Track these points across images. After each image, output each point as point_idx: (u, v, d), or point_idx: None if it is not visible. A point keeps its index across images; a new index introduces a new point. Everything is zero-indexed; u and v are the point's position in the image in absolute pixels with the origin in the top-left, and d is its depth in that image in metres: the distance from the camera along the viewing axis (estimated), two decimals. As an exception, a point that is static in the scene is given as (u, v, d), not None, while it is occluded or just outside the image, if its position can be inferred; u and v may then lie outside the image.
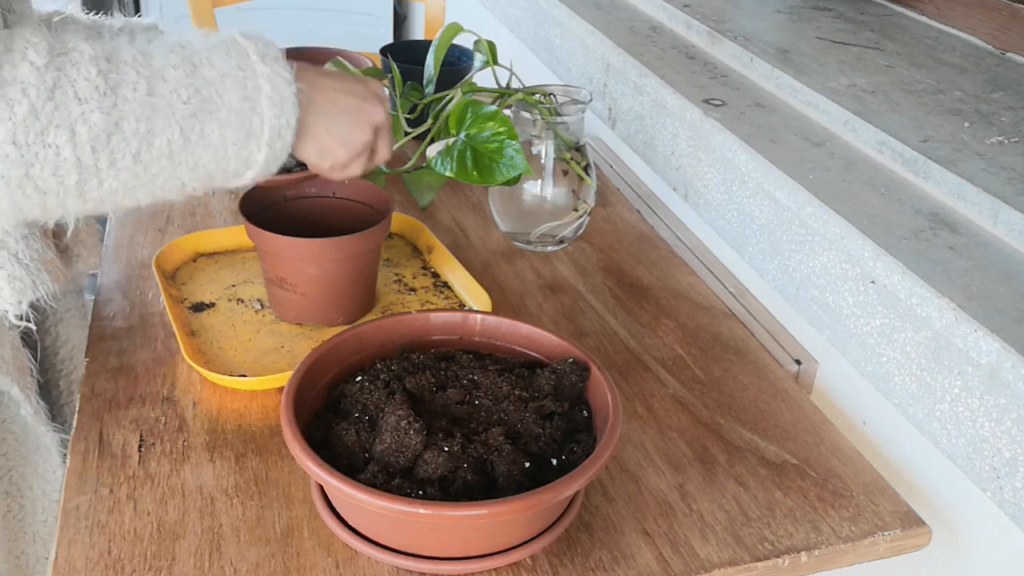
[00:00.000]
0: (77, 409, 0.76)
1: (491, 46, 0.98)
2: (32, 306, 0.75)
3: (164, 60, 0.63)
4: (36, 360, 0.85)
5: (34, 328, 0.81)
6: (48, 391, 0.91)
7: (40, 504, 0.84)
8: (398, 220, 1.01)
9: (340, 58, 1.01)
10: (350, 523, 0.64)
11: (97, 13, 0.89)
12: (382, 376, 0.69)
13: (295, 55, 1.22)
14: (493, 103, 0.93)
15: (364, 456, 0.63)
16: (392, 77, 1.00)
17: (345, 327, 0.78)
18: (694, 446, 0.75)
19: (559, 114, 0.97)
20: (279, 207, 0.88)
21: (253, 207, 0.85)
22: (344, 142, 0.72)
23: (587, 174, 0.99)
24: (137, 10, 2.66)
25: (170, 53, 0.63)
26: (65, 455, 0.71)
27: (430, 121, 0.96)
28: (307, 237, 0.81)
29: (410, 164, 0.99)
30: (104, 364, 0.81)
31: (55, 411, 0.93)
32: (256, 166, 0.68)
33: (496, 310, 0.90)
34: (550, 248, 1.02)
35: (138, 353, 0.82)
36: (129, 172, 0.62)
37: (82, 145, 0.59)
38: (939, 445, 0.71)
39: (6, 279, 0.72)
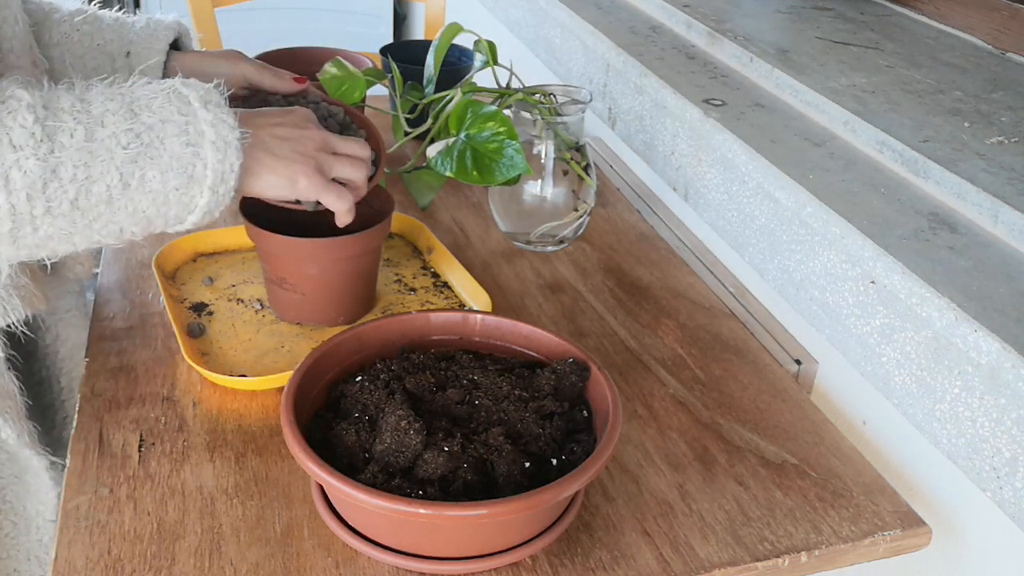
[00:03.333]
0: (77, 409, 0.76)
1: (491, 46, 0.98)
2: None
3: (103, 106, 0.63)
4: (31, 368, 0.85)
5: (15, 354, 0.81)
6: (50, 387, 0.91)
7: (34, 523, 0.84)
8: (398, 220, 1.01)
9: (340, 58, 1.01)
10: (350, 523, 0.64)
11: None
12: (382, 376, 0.69)
13: (295, 55, 1.22)
14: (493, 103, 0.93)
15: (364, 456, 0.63)
16: (392, 77, 1.00)
17: (345, 327, 0.78)
18: (694, 446, 0.75)
19: (559, 114, 0.97)
20: (280, 207, 0.88)
21: (253, 207, 0.84)
22: (300, 160, 0.72)
23: (587, 174, 0.99)
24: (137, 10, 2.66)
25: (109, 100, 0.63)
26: (63, 466, 0.71)
27: (430, 121, 0.96)
28: (307, 237, 0.81)
29: (410, 164, 0.99)
30: (104, 364, 0.81)
31: (55, 408, 0.93)
32: (198, 211, 0.68)
33: (496, 310, 0.90)
34: (550, 248, 1.02)
35: (138, 353, 0.82)
36: (66, 219, 0.62)
37: (16, 192, 0.59)
38: (939, 445, 0.71)
39: None
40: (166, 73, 0.87)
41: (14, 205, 0.60)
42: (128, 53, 0.85)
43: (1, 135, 0.59)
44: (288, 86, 0.89)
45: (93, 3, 0.90)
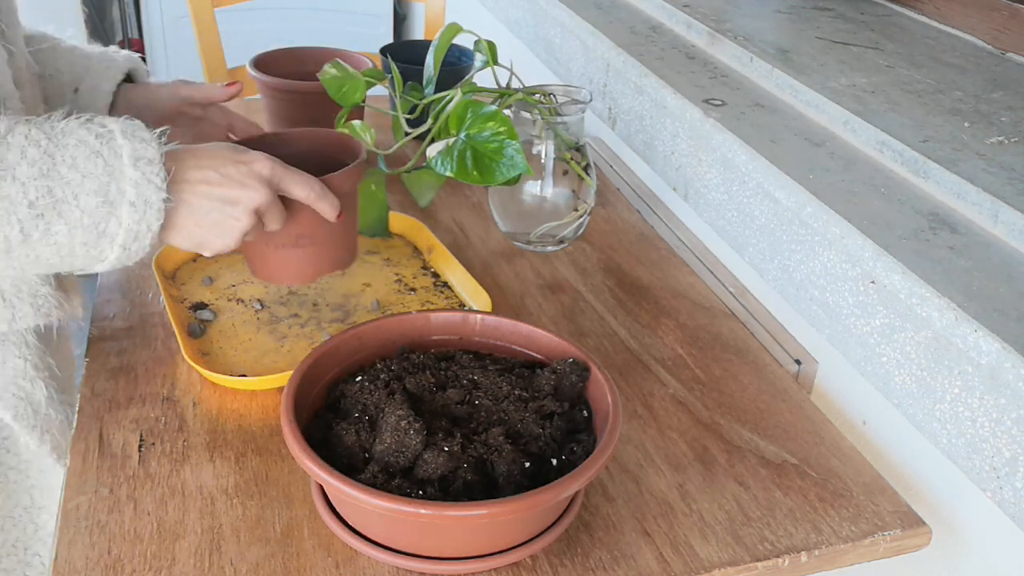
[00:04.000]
0: (77, 409, 0.76)
1: (491, 46, 0.98)
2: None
3: (20, 154, 0.62)
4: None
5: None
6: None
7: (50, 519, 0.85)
8: (398, 220, 1.01)
9: (339, 60, 1.01)
10: (350, 523, 0.64)
11: (97, 13, 0.90)
12: (382, 376, 0.69)
13: (295, 55, 1.22)
14: (493, 103, 0.93)
15: (364, 456, 0.63)
16: (392, 77, 1.00)
17: (346, 328, 0.78)
18: (694, 446, 0.75)
19: (559, 114, 0.97)
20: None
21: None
22: (219, 234, 0.71)
23: (587, 174, 0.99)
24: (137, 10, 2.66)
25: (30, 146, 0.62)
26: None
27: (430, 121, 0.96)
28: None
29: (410, 164, 0.99)
30: (104, 364, 0.81)
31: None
32: (108, 263, 0.67)
33: (496, 310, 0.90)
34: (550, 248, 1.02)
35: (138, 353, 0.82)
36: None
37: None
38: (939, 445, 0.71)
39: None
40: (114, 105, 0.88)
41: None
42: (76, 89, 0.85)
43: None
44: (220, 95, 0.91)
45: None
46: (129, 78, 0.91)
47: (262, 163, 0.71)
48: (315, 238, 0.79)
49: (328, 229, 0.79)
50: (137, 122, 0.67)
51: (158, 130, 0.68)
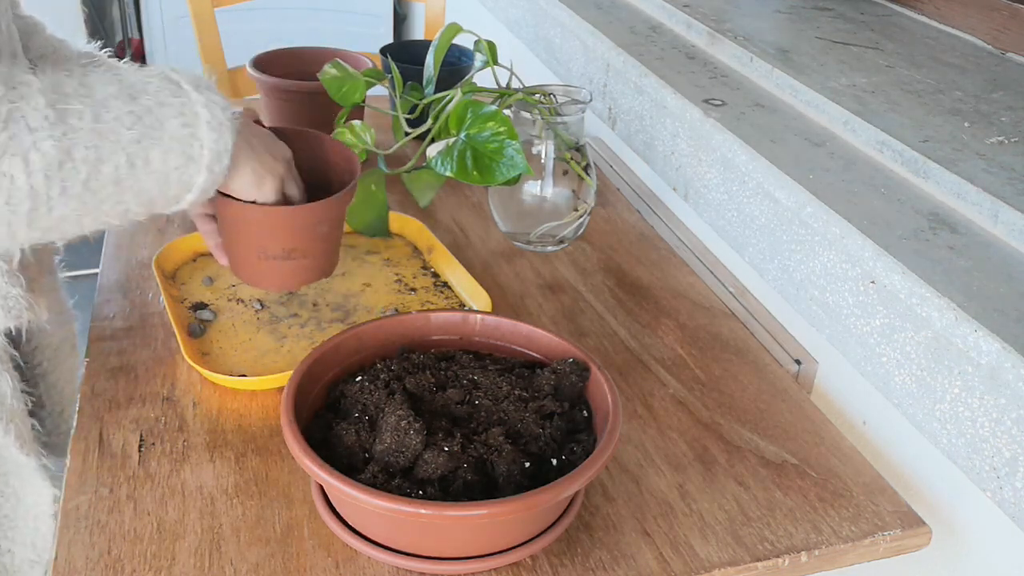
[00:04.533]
0: (77, 409, 0.76)
1: (491, 46, 0.98)
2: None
3: (104, 90, 0.64)
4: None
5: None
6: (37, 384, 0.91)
7: (31, 513, 0.84)
8: (398, 220, 1.01)
9: (339, 60, 1.01)
10: (350, 523, 0.64)
11: (97, 13, 0.90)
12: (382, 376, 0.69)
13: (295, 55, 1.22)
14: (493, 103, 0.93)
15: (364, 456, 0.63)
16: (392, 77, 1.00)
17: (347, 328, 0.78)
18: (694, 446, 0.75)
19: (559, 114, 0.97)
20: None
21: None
22: (266, 165, 0.74)
23: (587, 174, 0.99)
24: (137, 10, 2.66)
25: (108, 84, 0.65)
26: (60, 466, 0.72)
27: (430, 121, 0.96)
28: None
29: (410, 164, 0.99)
30: (104, 364, 0.81)
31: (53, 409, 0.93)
32: (196, 189, 0.69)
33: (496, 310, 0.90)
34: (550, 248, 1.02)
35: (138, 353, 0.82)
36: (78, 200, 0.63)
37: (35, 173, 0.60)
38: (939, 445, 0.71)
39: None
40: None
41: (32, 186, 0.61)
42: None
43: (17, 118, 0.60)
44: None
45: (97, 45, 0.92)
46: None
47: (284, 147, 0.76)
48: (306, 252, 0.81)
49: (320, 245, 0.81)
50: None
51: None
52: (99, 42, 0.94)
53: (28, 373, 0.87)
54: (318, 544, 0.64)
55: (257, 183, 0.74)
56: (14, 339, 0.81)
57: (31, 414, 0.82)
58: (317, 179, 0.85)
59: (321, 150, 0.86)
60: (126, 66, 0.68)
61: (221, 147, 0.68)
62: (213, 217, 0.83)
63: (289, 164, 0.77)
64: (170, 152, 0.66)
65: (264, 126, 0.83)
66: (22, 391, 0.82)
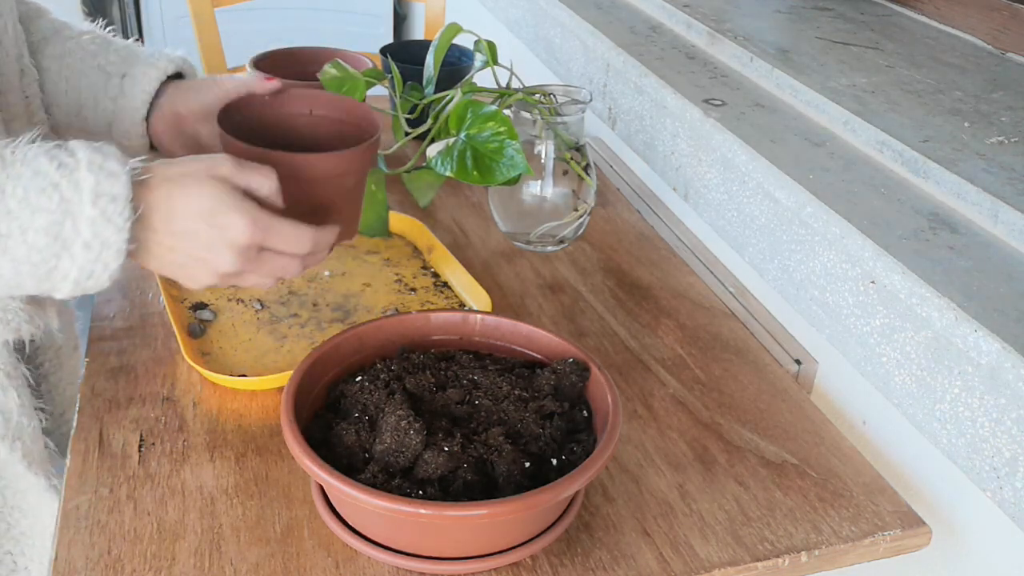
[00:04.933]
0: (77, 409, 0.76)
1: (491, 46, 0.98)
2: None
3: None
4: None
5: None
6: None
7: (36, 528, 0.84)
8: (398, 220, 1.01)
9: (339, 60, 1.01)
10: (350, 523, 0.64)
11: (97, 13, 0.90)
12: (382, 376, 0.69)
13: (295, 55, 1.22)
14: (493, 103, 0.93)
15: (364, 456, 0.63)
16: (392, 77, 1.00)
17: (348, 328, 0.78)
18: (694, 446, 0.75)
19: (559, 114, 0.97)
20: (249, 128, 0.79)
21: (238, 129, 0.76)
22: (189, 280, 0.68)
23: (587, 174, 0.99)
24: (137, 10, 2.66)
25: None
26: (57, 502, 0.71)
27: (430, 121, 0.96)
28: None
29: (410, 164, 0.99)
30: (104, 364, 0.81)
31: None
32: (63, 294, 0.64)
33: (496, 310, 0.90)
34: (550, 248, 1.02)
35: (138, 353, 0.82)
36: None
37: None
38: (939, 445, 0.71)
39: None
40: (157, 97, 0.85)
41: None
42: (124, 75, 0.84)
43: None
44: (261, 87, 0.83)
45: (98, 23, 0.91)
46: (180, 76, 0.88)
47: (238, 230, 0.65)
48: (331, 211, 0.75)
49: (347, 202, 0.77)
50: (110, 151, 0.63)
51: (134, 160, 0.64)
52: (102, 21, 0.94)
53: (32, 373, 0.87)
54: (318, 544, 0.64)
55: (172, 279, 0.68)
56: (22, 352, 0.80)
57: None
58: (333, 142, 0.82)
59: (338, 111, 0.83)
60: (35, 150, 0.62)
61: (98, 267, 0.62)
62: None
63: (232, 269, 0.67)
64: (24, 264, 0.61)
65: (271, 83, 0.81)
66: (35, 408, 0.81)
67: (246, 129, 0.77)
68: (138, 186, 0.64)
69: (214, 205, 0.65)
